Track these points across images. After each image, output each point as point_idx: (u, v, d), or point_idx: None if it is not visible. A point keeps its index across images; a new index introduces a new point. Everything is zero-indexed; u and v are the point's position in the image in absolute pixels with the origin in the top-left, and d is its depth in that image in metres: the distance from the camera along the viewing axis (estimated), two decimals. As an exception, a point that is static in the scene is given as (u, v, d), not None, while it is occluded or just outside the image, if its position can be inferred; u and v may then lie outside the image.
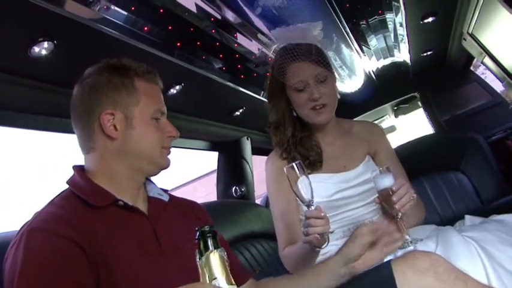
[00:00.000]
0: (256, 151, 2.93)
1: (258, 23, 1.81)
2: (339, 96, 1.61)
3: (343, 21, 2.08)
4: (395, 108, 3.96)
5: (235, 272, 0.85)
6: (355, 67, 2.85)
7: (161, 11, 1.53)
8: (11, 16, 1.13)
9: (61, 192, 1.12)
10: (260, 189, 2.70)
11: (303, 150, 1.58)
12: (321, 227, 1.26)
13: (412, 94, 3.63)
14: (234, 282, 0.76)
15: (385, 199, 1.33)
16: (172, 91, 1.81)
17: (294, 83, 1.53)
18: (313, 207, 1.30)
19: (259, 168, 2.25)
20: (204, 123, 2.37)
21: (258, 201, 2.92)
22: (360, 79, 3.13)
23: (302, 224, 1.31)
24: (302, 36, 1.55)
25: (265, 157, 1.70)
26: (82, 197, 1.08)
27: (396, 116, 4.07)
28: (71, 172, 1.16)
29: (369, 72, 3.12)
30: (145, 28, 1.49)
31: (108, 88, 1.12)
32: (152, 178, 1.26)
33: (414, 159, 2.31)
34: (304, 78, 1.52)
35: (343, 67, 2.70)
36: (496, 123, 3.17)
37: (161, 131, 1.17)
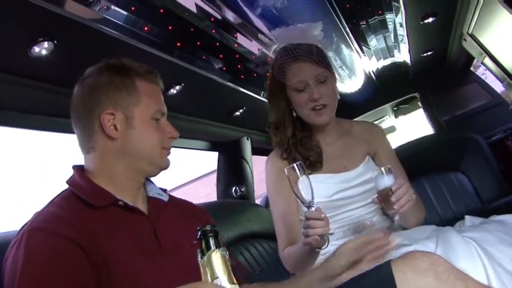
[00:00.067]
0: (256, 151, 2.93)
1: (258, 23, 1.81)
2: (339, 97, 1.61)
3: (343, 21, 2.07)
4: (396, 108, 3.96)
5: None
6: (355, 67, 2.85)
7: (161, 11, 1.53)
8: (11, 16, 1.13)
9: (61, 192, 1.12)
10: (260, 190, 2.70)
11: (303, 151, 1.58)
12: (321, 228, 1.26)
13: (412, 94, 3.63)
14: (235, 282, 0.76)
15: (384, 199, 1.33)
16: (172, 91, 1.81)
17: (294, 83, 1.53)
18: (313, 208, 1.30)
19: (259, 169, 2.25)
20: (204, 124, 2.37)
21: (258, 202, 2.92)
22: (360, 79, 3.13)
23: (302, 225, 1.31)
24: (302, 37, 1.55)
25: (265, 157, 1.70)
26: (82, 197, 1.08)
27: (396, 117, 4.07)
28: (71, 172, 1.16)
29: (369, 73, 3.12)
30: (146, 28, 1.49)
31: (108, 88, 1.12)
32: (152, 178, 1.26)
33: (414, 160, 2.31)
34: (304, 78, 1.52)
35: (343, 67, 2.70)
36: (496, 124, 3.17)
37: (161, 131, 1.18)
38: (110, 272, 1.00)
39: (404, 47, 2.73)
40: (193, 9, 1.62)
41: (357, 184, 1.56)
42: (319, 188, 1.40)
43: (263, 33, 1.81)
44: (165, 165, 1.19)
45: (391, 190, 1.30)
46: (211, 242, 0.77)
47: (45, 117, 1.57)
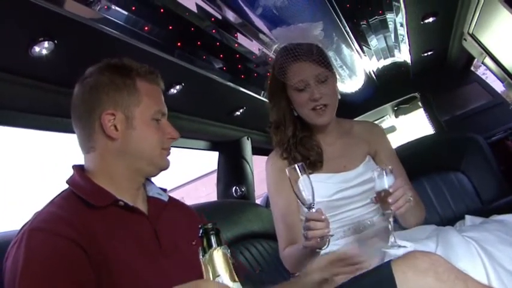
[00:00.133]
0: (256, 151, 2.93)
1: (259, 23, 1.81)
2: (339, 97, 1.61)
3: (344, 21, 2.07)
4: (396, 108, 3.96)
5: None
6: (355, 67, 2.85)
7: (162, 10, 1.53)
8: (12, 16, 1.13)
9: (61, 192, 1.12)
10: (260, 189, 2.70)
11: (304, 150, 1.58)
12: (321, 230, 1.25)
13: (412, 94, 3.63)
14: (237, 279, 0.76)
15: (381, 200, 1.33)
16: (173, 91, 1.81)
17: (294, 83, 1.53)
18: (314, 210, 1.30)
19: (259, 168, 2.25)
20: (205, 123, 2.37)
21: (258, 201, 2.92)
22: (360, 79, 3.13)
23: (302, 226, 1.31)
24: (303, 36, 1.55)
25: (266, 157, 1.70)
26: (82, 196, 1.08)
27: (396, 116, 4.07)
28: (71, 172, 1.16)
29: (369, 73, 3.12)
30: (146, 28, 1.49)
31: (109, 88, 1.12)
32: (153, 178, 1.26)
33: (414, 160, 2.31)
34: (304, 78, 1.52)
35: (344, 67, 2.70)
36: (496, 124, 3.17)
37: (161, 132, 1.17)
38: (110, 272, 1.00)
39: (404, 46, 2.73)
40: (194, 9, 1.62)
41: (357, 184, 1.56)
42: (319, 187, 1.40)
43: (263, 33, 1.81)
44: (165, 166, 1.19)
45: (389, 192, 1.30)
46: (213, 240, 0.77)
47: (45, 117, 1.57)
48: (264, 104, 1.76)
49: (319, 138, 1.62)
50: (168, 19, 1.57)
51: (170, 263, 1.10)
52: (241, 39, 1.94)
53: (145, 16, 1.47)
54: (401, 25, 2.34)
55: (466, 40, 2.61)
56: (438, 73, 3.33)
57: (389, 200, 1.29)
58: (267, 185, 1.66)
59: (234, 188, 2.74)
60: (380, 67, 3.12)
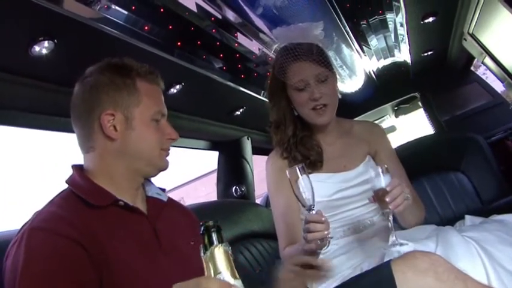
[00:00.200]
0: (256, 151, 2.93)
1: (259, 22, 1.81)
2: (339, 96, 1.61)
3: (344, 21, 2.08)
4: (396, 108, 3.96)
5: None
6: (355, 67, 2.86)
7: (161, 10, 1.53)
8: (12, 15, 1.13)
9: (60, 192, 1.12)
10: (260, 189, 2.70)
11: (304, 150, 1.58)
12: (321, 232, 1.25)
13: (412, 94, 3.63)
14: (238, 277, 0.76)
15: (379, 199, 1.33)
16: (173, 91, 1.81)
17: (294, 83, 1.53)
18: (314, 211, 1.29)
19: (259, 168, 2.25)
20: (205, 123, 2.37)
21: (258, 201, 2.92)
22: (360, 79, 3.13)
23: (302, 228, 1.31)
24: (303, 36, 1.55)
25: (266, 157, 1.70)
26: (82, 196, 1.08)
27: (396, 116, 4.07)
28: (71, 172, 1.16)
29: (369, 72, 3.12)
30: (146, 27, 1.50)
31: (109, 88, 1.12)
32: (153, 178, 1.26)
33: (414, 160, 2.31)
34: (305, 77, 1.51)
35: (344, 67, 2.71)
36: (496, 124, 3.17)
37: (161, 132, 1.17)
38: (111, 272, 1.00)
39: (404, 46, 2.73)
40: (194, 8, 1.62)
41: (356, 184, 1.56)
42: (319, 187, 1.40)
43: (263, 33, 1.81)
44: (163, 166, 1.19)
45: (386, 190, 1.30)
46: (214, 237, 0.77)
47: (45, 117, 1.57)
48: (264, 104, 1.76)
49: (319, 138, 1.62)
50: (168, 19, 1.58)
51: (170, 262, 1.10)
52: (241, 38, 1.94)
53: (145, 16, 1.48)
54: (401, 25, 2.34)
55: (466, 40, 2.61)
56: (438, 73, 3.33)
57: (387, 199, 1.29)
58: (267, 184, 1.66)
59: (234, 188, 2.74)
60: (380, 67, 3.12)
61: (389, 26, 2.39)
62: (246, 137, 2.81)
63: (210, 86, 2.00)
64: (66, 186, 1.13)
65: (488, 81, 3.62)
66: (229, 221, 2.12)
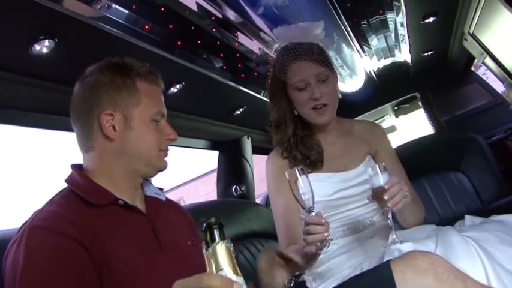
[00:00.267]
0: (256, 150, 2.93)
1: (259, 22, 1.81)
2: (340, 96, 1.61)
3: (344, 20, 2.08)
4: (396, 108, 3.96)
5: None
6: (355, 67, 2.86)
7: (162, 9, 1.53)
8: (12, 14, 1.13)
9: (60, 191, 1.12)
10: (260, 189, 2.70)
11: (304, 149, 1.58)
12: (321, 234, 1.25)
13: (412, 94, 3.63)
14: (240, 273, 0.76)
15: (378, 197, 1.32)
16: (173, 90, 1.81)
17: (295, 82, 1.53)
18: (313, 213, 1.29)
19: (259, 168, 2.25)
20: (205, 122, 2.37)
21: (258, 201, 2.92)
22: (360, 79, 3.13)
23: (302, 230, 1.30)
24: (303, 36, 1.55)
25: (266, 156, 1.70)
26: (82, 195, 1.08)
27: (397, 116, 4.07)
28: (71, 172, 1.16)
29: (370, 72, 3.12)
30: (146, 27, 1.49)
31: (109, 88, 1.12)
32: (153, 177, 1.26)
33: (414, 160, 2.31)
34: (305, 77, 1.51)
35: (344, 67, 2.70)
36: (496, 124, 3.17)
37: (160, 133, 1.17)
38: (111, 271, 1.00)
39: (405, 46, 2.73)
40: (194, 7, 1.62)
41: (356, 183, 1.56)
42: (319, 187, 1.40)
43: (264, 32, 1.81)
44: (162, 167, 1.19)
45: (384, 188, 1.30)
46: (216, 233, 0.77)
47: (45, 116, 1.57)
48: (264, 103, 1.76)
49: (320, 138, 1.62)
50: (168, 18, 1.57)
51: (170, 261, 1.10)
52: (241, 38, 1.94)
53: (145, 15, 1.47)
54: (402, 25, 2.34)
55: (466, 40, 2.61)
56: (438, 73, 3.33)
57: (386, 197, 1.29)
58: (267, 184, 1.66)
59: (234, 187, 2.74)
60: (380, 67, 3.12)
61: (390, 25, 2.39)
62: (246, 137, 2.81)
63: (210, 85, 2.00)
64: (66, 186, 1.13)
65: (488, 81, 3.62)
66: (229, 220, 2.12)
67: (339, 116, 1.66)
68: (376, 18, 2.26)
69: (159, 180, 1.27)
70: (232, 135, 2.73)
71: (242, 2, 1.67)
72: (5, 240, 1.03)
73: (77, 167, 1.15)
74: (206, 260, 0.76)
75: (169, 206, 1.27)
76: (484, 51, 2.55)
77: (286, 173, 1.32)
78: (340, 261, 1.49)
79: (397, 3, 2.08)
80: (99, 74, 1.13)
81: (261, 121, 1.84)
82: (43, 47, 1.25)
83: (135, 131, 1.13)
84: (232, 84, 2.09)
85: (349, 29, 2.20)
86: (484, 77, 3.81)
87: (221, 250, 0.76)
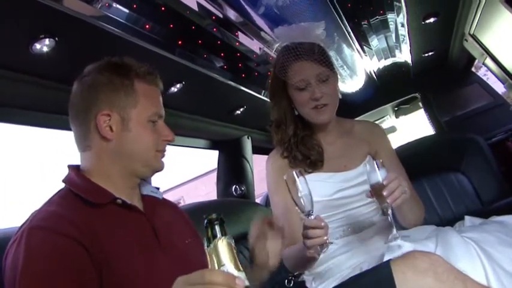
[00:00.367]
0: (256, 150, 2.93)
1: (260, 22, 1.81)
2: (340, 96, 1.61)
3: (345, 21, 2.08)
4: (396, 108, 3.96)
5: None
6: (356, 67, 2.86)
7: (163, 9, 1.53)
8: (13, 13, 1.13)
9: (58, 191, 1.12)
10: (260, 188, 2.70)
11: (304, 149, 1.58)
12: (320, 238, 1.25)
13: (413, 95, 3.64)
14: (242, 269, 0.76)
15: (377, 193, 1.32)
16: (173, 89, 1.81)
17: (295, 82, 1.53)
18: (312, 217, 1.29)
19: (259, 167, 2.25)
20: (205, 122, 2.37)
21: (258, 200, 2.92)
22: (360, 79, 3.14)
23: (302, 233, 1.30)
24: (304, 36, 1.55)
25: (266, 156, 1.70)
26: (81, 195, 1.08)
27: (397, 117, 4.07)
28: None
29: (370, 73, 3.12)
30: (147, 26, 1.50)
31: (107, 88, 1.12)
32: (152, 177, 1.26)
33: (414, 160, 2.30)
34: (306, 77, 1.51)
35: (344, 67, 2.71)
36: (496, 125, 3.17)
37: (157, 134, 1.16)
38: (111, 271, 1.00)
39: (405, 47, 2.73)
40: (195, 7, 1.62)
41: (357, 183, 1.55)
42: (319, 187, 1.40)
43: (265, 32, 1.81)
44: (159, 168, 1.19)
45: (383, 184, 1.30)
46: (217, 229, 0.78)
47: (45, 114, 1.57)
48: (264, 103, 1.76)
49: (320, 138, 1.62)
50: (169, 17, 1.58)
51: (169, 260, 1.10)
52: (242, 38, 1.94)
53: (146, 14, 1.48)
54: (402, 25, 2.34)
55: (467, 41, 2.61)
56: (439, 74, 3.33)
57: (384, 193, 1.28)
58: (267, 183, 1.65)
59: (234, 187, 2.74)
60: (381, 67, 3.12)
61: (391, 26, 2.39)
62: (246, 136, 2.81)
63: (210, 85, 2.00)
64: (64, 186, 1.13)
65: (489, 82, 3.62)
66: (229, 220, 2.08)
67: (339, 116, 1.66)
68: (377, 18, 2.26)
69: (159, 180, 1.27)
70: (232, 135, 2.73)
71: (243, 2, 1.67)
72: (5, 240, 1.03)
73: (74, 168, 1.15)
74: (208, 256, 0.77)
75: (165, 204, 1.27)
76: (484, 52, 2.55)
77: (284, 176, 1.32)
78: (340, 261, 1.49)
79: (397, 4, 2.08)
80: (97, 74, 1.13)
81: (261, 121, 1.84)
82: (43, 45, 1.25)
83: (132, 132, 1.12)
84: (233, 84, 2.09)
85: (349, 29, 2.20)
86: (484, 78, 3.81)
87: (222, 246, 0.76)
